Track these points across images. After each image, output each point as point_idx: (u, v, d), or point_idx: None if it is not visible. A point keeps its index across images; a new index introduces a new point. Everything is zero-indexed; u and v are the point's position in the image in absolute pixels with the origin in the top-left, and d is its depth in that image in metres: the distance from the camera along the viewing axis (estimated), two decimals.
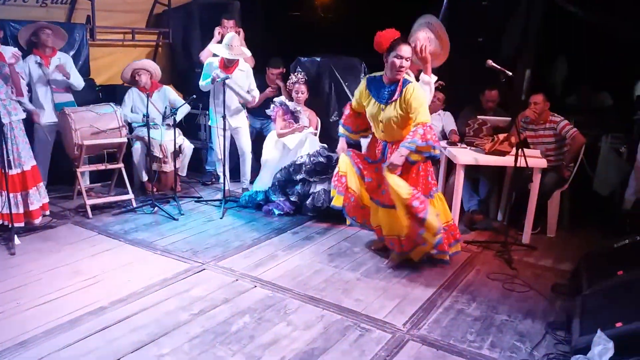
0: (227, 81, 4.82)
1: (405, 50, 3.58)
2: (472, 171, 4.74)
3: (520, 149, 4.03)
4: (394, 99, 3.63)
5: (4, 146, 3.93)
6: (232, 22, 5.58)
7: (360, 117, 4.03)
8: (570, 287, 3.61)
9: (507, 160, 4.32)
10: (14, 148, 4.13)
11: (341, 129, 4.16)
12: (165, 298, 3.30)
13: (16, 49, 4.27)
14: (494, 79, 4.27)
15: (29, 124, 4.66)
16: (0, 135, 3.89)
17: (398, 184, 3.56)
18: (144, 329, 2.92)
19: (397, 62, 3.57)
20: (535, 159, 4.31)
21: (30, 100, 4.79)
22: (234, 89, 5.05)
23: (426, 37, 3.94)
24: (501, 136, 4.46)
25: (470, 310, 3.33)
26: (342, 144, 4.15)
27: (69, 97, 5.08)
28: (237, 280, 3.59)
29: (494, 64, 3.95)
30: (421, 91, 3.64)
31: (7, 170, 3.98)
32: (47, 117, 4.91)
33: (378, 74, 3.78)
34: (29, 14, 5.24)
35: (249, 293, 3.41)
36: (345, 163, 3.95)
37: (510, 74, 3.94)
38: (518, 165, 4.06)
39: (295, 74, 5.36)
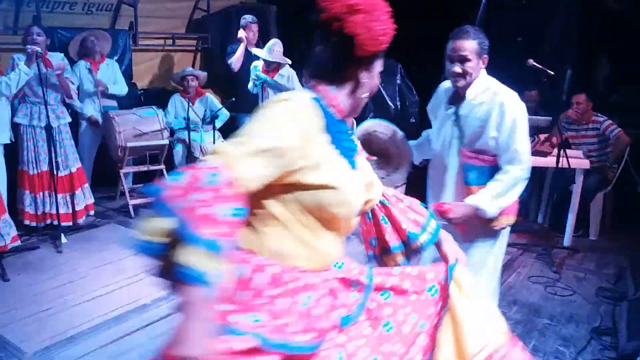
0: (264, 93, 4.89)
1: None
2: None
3: (562, 150, 3.95)
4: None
5: (53, 149, 4.09)
6: (256, 25, 5.59)
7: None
8: (616, 291, 3.52)
9: (548, 161, 4.24)
10: (62, 151, 4.29)
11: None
12: None
13: (62, 54, 4.43)
14: (534, 79, 4.20)
15: (75, 126, 4.82)
16: (50, 138, 4.06)
17: None
18: None
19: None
20: (577, 160, 4.22)
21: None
22: (277, 86, 5.07)
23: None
24: (542, 136, 4.39)
25: (512, 313, 3.28)
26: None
27: (113, 102, 5.23)
28: None
29: (536, 64, 3.88)
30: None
31: (55, 172, 4.15)
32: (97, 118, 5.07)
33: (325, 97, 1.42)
34: (76, 21, 5.43)
35: None
36: None
37: (552, 73, 3.86)
38: (560, 166, 3.98)
39: None
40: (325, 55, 1.38)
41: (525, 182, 2.32)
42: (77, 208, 4.40)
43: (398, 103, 5.58)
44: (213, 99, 5.68)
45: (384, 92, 5.46)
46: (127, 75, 5.81)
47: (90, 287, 3.45)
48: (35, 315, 3.09)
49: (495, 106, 2.29)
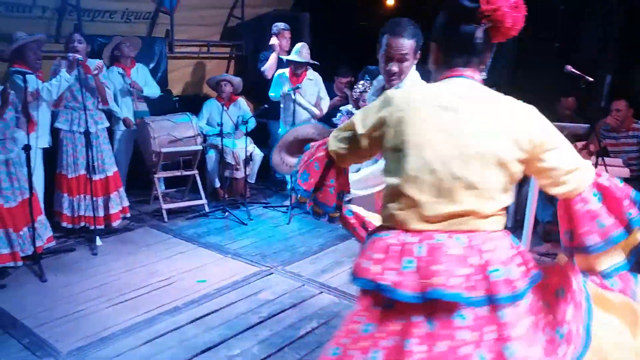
0: (296, 97, 4.93)
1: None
2: None
3: (600, 158, 3.84)
4: None
5: (90, 153, 4.21)
6: (289, 33, 5.64)
7: None
8: None
9: None
10: (99, 155, 4.40)
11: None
12: (236, 300, 3.39)
13: (101, 61, 4.55)
14: (571, 85, 4.09)
15: (111, 132, 4.94)
16: (87, 143, 4.18)
17: None
18: (215, 330, 3.02)
19: None
20: (616, 168, 4.08)
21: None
22: (301, 105, 5.14)
23: None
24: (579, 144, 4.27)
25: None
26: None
27: (144, 106, 5.32)
28: (303, 285, 3.63)
29: (574, 70, 3.78)
30: None
31: (91, 176, 4.26)
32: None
33: None
34: (115, 29, 5.56)
35: (315, 299, 3.44)
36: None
37: (591, 79, 3.76)
38: None
39: (362, 82, 5.37)
40: (484, 44, 1.45)
41: None
42: (112, 211, 4.50)
43: None
44: (244, 102, 5.75)
45: None
46: (163, 82, 5.92)
47: (123, 289, 3.52)
48: (70, 315, 3.17)
49: None
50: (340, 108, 5.37)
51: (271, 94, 5.28)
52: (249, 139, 5.37)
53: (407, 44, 2.16)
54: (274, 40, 5.53)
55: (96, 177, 4.35)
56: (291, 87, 4.99)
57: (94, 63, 4.39)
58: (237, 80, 5.68)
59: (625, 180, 4.35)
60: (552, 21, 5.36)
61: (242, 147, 5.31)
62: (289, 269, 3.92)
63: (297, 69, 5.14)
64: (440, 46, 1.50)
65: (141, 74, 5.24)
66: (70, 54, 4.03)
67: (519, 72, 5.51)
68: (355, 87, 5.39)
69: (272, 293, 3.50)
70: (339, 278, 3.75)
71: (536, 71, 5.34)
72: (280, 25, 5.60)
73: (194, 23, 6.43)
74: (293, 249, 4.31)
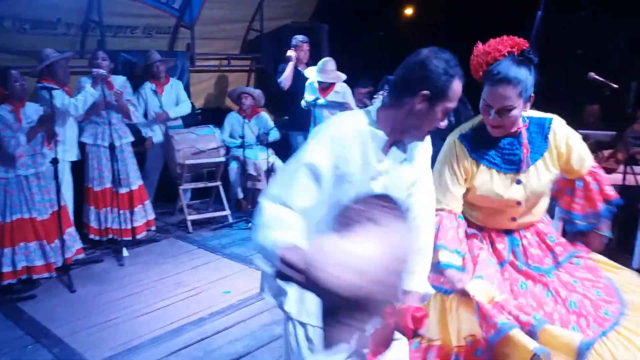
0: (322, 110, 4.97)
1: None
2: None
3: (628, 166, 3.78)
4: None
5: (115, 167, 4.27)
6: (307, 45, 5.66)
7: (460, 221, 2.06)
8: None
9: (613, 178, 4.04)
10: (124, 169, 4.45)
11: (446, 257, 1.94)
12: (260, 312, 3.39)
13: (124, 77, 4.62)
14: (596, 93, 4.05)
15: (139, 145, 5.00)
16: (112, 156, 4.24)
17: None
18: (240, 342, 3.03)
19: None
20: None
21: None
22: (331, 106, 5.13)
23: None
24: (606, 152, 4.21)
25: None
26: (460, 278, 1.93)
27: (178, 121, 5.38)
28: None
29: (597, 77, 3.74)
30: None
31: (117, 189, 4.32)
32: (160, 138, 5.24)
33: (468, 125, 2.13)
34: (137, 44, 5.68)
35: None
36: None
37: (616, 86, 3.71)
38: (626, 183, 3.80)
39: (382, 92, 5.37)
40: None
41: None
42: (136, 224, 4.56)
43: (452, 118, 5.49)
44: (267, 118, 5.80)
45: None
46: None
47: (150, 299, 3.56)
48: (99, 325, 3.21)
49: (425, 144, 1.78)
50: None
51: (303, 102, 5.25)
52: (270, 150, 5.39)
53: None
54: (290, 52, 5.56)
55: (121, 191, 4.41)
56: (319, 98, 5.00)
57: (117, 79, 4.47)
58: (258, 92, 5.72)
59: None
60: (574, 28, 5.31)
61: (264, 158, 5.33)
62: None
63: (324, 83, 5.15)
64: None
65: (174, 90, 5.29)
66: (94, 70, 4.12)
67: (541, 81, 5.46)
68: (374, 97, 5.40)
69: None
70: None
71: (559, 79, 5.30)
72: (299, 37, 5.64)
73: (214, 37, 6.51)
74: None
